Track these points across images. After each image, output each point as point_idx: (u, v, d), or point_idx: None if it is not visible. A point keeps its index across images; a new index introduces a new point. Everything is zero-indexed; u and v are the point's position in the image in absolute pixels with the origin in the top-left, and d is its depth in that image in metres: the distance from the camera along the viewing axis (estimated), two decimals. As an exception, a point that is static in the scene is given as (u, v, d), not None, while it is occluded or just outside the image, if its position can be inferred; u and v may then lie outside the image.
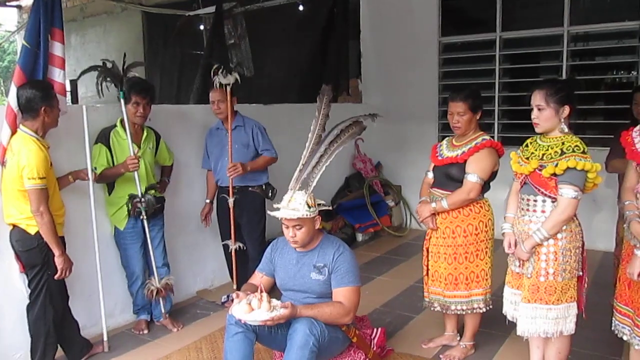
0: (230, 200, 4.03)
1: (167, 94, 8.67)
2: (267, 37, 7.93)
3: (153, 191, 3.79)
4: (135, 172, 3.60)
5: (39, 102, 3.00)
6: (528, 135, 2.90)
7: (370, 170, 6.68)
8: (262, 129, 4.15)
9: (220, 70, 3.88)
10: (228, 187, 4.03)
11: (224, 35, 7.59)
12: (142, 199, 3.64)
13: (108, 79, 3.55)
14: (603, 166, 3.30)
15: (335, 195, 6.35)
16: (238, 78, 3.92)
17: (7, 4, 9.90)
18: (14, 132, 3.06)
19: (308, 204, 2.72)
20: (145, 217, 3.68)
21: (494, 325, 3.46)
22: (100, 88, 3.53)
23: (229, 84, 3.89)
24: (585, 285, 2.76)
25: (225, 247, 4.21)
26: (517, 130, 5.83)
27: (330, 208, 3.13)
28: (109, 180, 3.68)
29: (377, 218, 6.26)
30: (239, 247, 4.10)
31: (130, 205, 3.65)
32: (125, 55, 3.66)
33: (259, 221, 4.18)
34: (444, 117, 6.31)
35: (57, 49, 3.31)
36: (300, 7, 7.51)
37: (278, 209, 2.77)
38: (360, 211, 6.23)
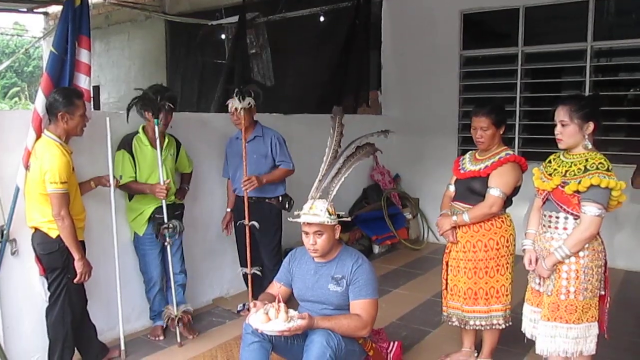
0: (247, 224, 3.98)
1: (188, 101, 8.75)
2: (288, 48, 7.98)
3: (173, 197, 3.82)
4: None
5: (59, 107, 3.04)
6: (549, 150, 2.87)
7: (388, 182, 6.67)
8: (281, 139, 4.14)
9: (236, 94, 3.91)
10: (244, 197, 4.01)
11: (245, 45, 7.64)
12: (170, 225, 3.67)
13: (147, 107, 3.59)
14: (629, 183, 3.25)
15: (352, 207, 6.33)
16: (252, 103, 3.93)
17: (34, 10, 10.09)
18: (38, 136, 3.11)
19: (329, 212, 2.73)
20: (169, 243, 3.71)
21: (513, 343, 3.41)
22: (127, 114, 3.63)
23: (243, 108, 3.90)
24: (607, 305, 2.71)
25: (245, 273, 4.15)
26: (537, 144, 5.78)
27: (349, 219, 3.12)
28: (130, 192, 3.73)
29: (394, 230, 6.23)
30: (256, 272, 4.07)
31: (157, 231, 3.68)
32: (162, 85, 3.74)
33: (275, 232, 4.19)
34: (464, 130, 6.30)
35: (83, 55, 3.38)
36: (322, 18, 7.55)
37: (299, 215, 2.77)
38: (378, 223, 6.21)
